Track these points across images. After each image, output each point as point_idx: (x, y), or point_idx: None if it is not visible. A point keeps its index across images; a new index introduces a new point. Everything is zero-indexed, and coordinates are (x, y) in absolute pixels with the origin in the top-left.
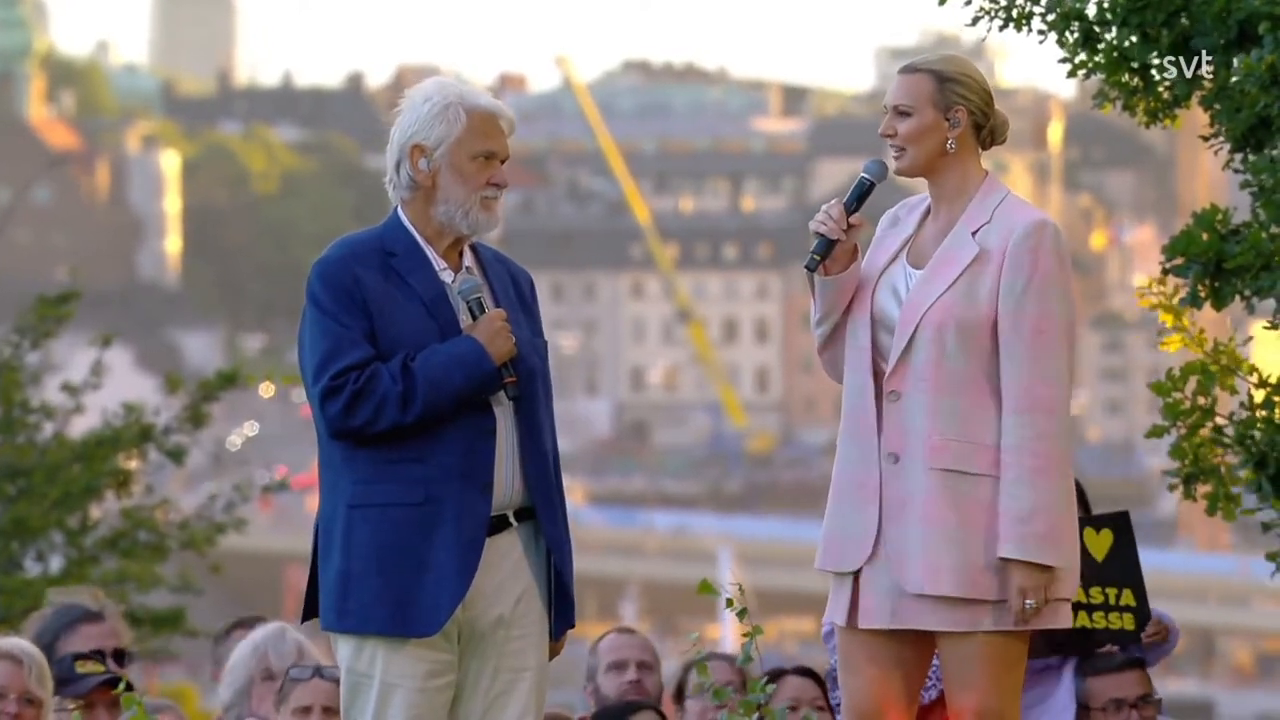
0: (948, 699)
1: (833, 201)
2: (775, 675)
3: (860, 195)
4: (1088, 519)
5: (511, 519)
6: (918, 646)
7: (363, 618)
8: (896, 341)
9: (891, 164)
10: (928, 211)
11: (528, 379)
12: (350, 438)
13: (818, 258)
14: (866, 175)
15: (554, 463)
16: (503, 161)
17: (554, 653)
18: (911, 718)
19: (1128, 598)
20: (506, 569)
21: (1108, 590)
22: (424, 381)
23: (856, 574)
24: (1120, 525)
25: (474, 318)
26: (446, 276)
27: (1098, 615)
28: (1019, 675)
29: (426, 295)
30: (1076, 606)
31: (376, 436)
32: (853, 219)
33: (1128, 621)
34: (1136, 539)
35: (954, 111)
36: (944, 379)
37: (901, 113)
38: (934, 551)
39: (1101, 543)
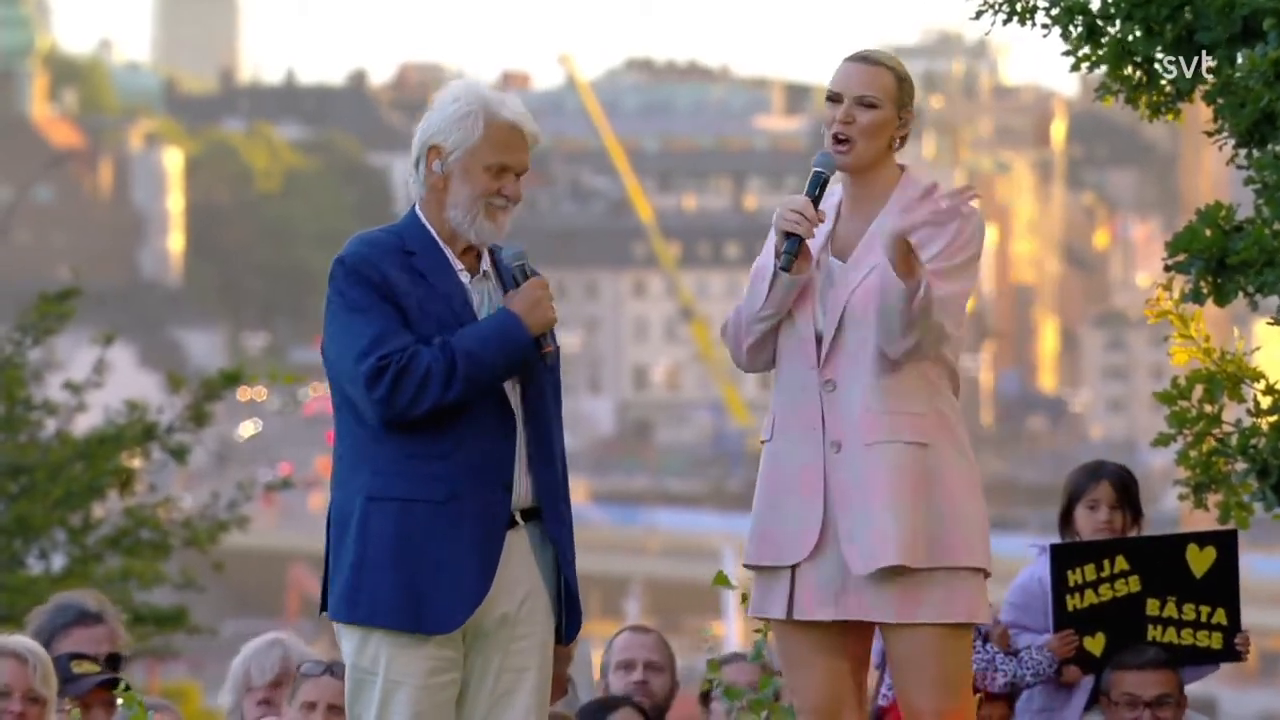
0: (901, 699)
1: (799, 199)
2: None
3: (819, 190)
4: (1193, 535)
5: (519, 519)
6: (860, 638)
7: (372, 610)
8: (826, 331)
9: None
10: (838, 206)
11: (539, 380)
12: (396, 420)
13: (793, 257)
14: (821, 169)
15: (562, 465)
16: (520, 174)
17: (564, 656)
18: (865, 709)
19: (1220, 617)
20: (513, 568)
21: (1201, 608)
22: (463, 355)
23: (793, 567)
24: (1226, 544)
25: (516, 285)
26: (464, 278)
27: (1185, 632)
28: (969, 667)
29: (449, 294)
30: (1165, 622)
31: (417, 421)
32: (818, 213)
33: (1215, 641)
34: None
35: (905, 112)
36: (873, 359)
37: (867, 104)
38: (879, 525)
39: (1203, 560)
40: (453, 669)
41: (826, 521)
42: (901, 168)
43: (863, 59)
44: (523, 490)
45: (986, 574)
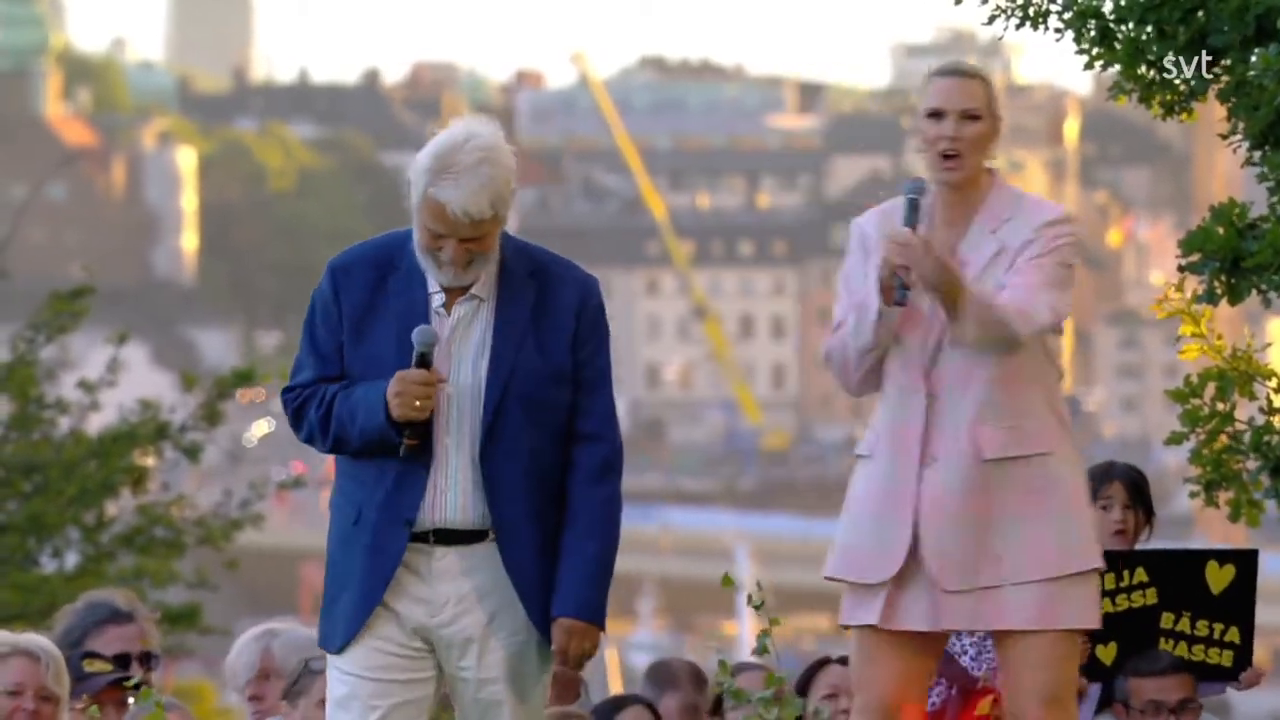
0: (1011, 706)
1: (903, 232)
2: (820, 664)
3: (915, 217)
4: (1214, 552)
5: (492, 535)
6: (935, 645)
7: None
8: (932, 344)
9: (935, 174)
10: (929, 217)
11: (503, 398)
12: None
13: (906, 291)
14: (914, 195)
15: (545, 490)
16: (469, 240)
17: (560, 652)
18: (924, 715)
19: (1233, 635)
20: (477, 581)
21: (1214, 625)
22: (336, 417)
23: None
24: (1246, 563)
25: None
26: (437, 299)
27: (1197, 648)
28: (1076, 675)
29: (403, 319)
30: (1177, 636)
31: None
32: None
33: (1226, 659)
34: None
35: (998, 119)
36: (982, 371)
37: (971, 117)
38: (985, 546)
39: (1222, 577)
40: (416, 669)
41: (917, 539)
42: (993, 171)
43: (958, 72)
44: (478, 510)
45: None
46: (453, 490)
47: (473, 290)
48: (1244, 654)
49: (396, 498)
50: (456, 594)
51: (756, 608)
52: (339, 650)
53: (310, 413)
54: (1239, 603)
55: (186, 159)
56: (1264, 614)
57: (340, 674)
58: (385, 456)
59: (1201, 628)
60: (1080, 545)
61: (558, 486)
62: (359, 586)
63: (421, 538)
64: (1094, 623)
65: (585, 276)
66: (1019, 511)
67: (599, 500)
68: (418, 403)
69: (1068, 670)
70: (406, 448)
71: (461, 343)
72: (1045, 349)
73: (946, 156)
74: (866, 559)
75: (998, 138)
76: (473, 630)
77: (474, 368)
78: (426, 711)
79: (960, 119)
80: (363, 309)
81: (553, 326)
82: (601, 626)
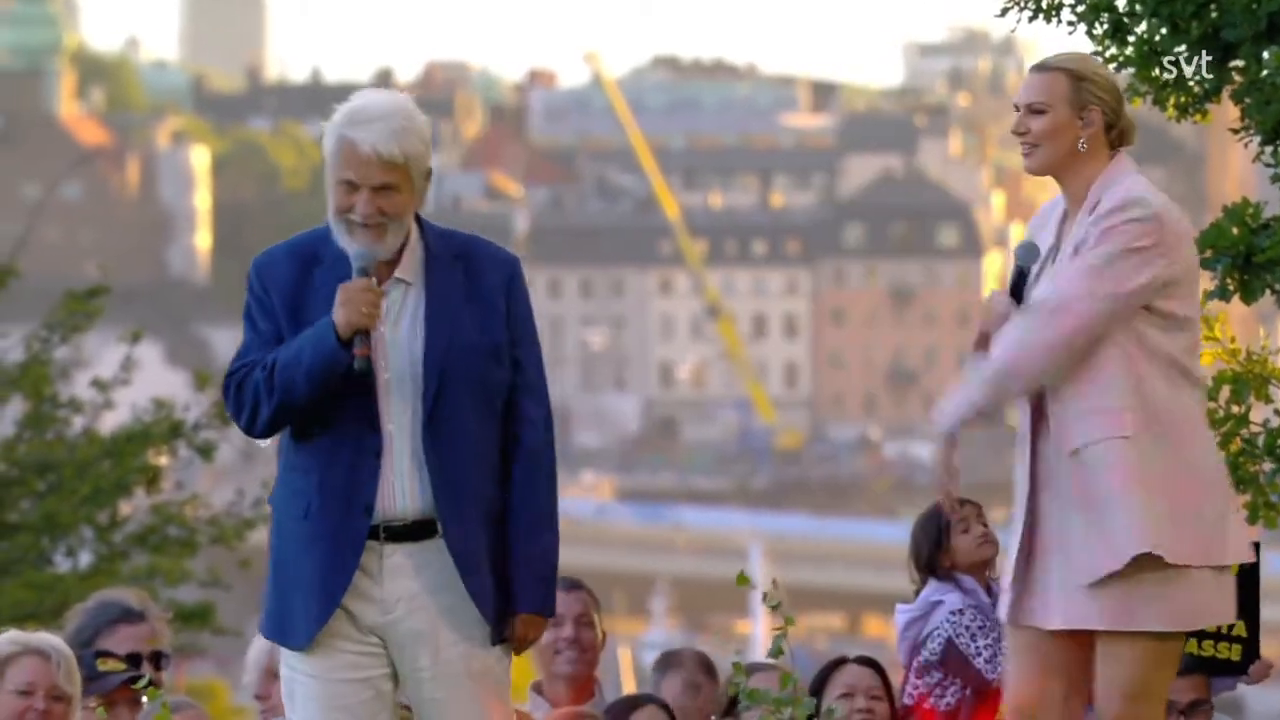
0: (1096, 700)
1: (998, 295)
2: (837, 663)
3: (1020, 282)
4: None
5: (439, 522)
6: (1071, 648)
7: (263, 617)
8: None
9: (1021, 162)
10: (1064, 215)
11: (442, 379)
12: (251, 435)
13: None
14: (1022, 263)
15: (480, 475)
16: (380, 191)
17: (519, 642)
18: (1067, 716)
19: (1240, 629)
20: (426, 578)
21: None
22: (281, 368)
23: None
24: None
25: None
26: None
27: (1206, 643)
28: (1158, 675)
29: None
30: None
31: (268, 433)
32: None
33: (1235, 653)
34: None
35: (1088, 111)
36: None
37: (1035, 111)
38: (1086, 542)
39: None
40: (372, 666)
41: (1034, 544)
42: (1114, 156)
43: (1037, 66)
44: (425, 499)
45: (1217, 568)
46: (399, 477)
47: (398, 275)
48: (1252, 647)
49: (349, 485)
50: (407, 592)
51: (774, 608)
52: (301, 648)
53: (256, 375)
54: (1243, 596)
55: (200, 158)
56: (1275, 612)
57: (297, 675)
58: (335, 438)
59: None
60: (1153, 531)
61: (497, 467)
62: (319, 579)
63: (372, 534)
64: (1181, 624)
65: (509, 255)
66: (1109, 493)
67: (543, 483)
68: (364, 309)
69: (1150, 670)
70: (359, 359)
71: (393, 328)
72: (1140, 338)
73: (1023, 145)
74: (1011, 562)
75: (1082, 126)
76: (424, 627)
77: (409, 350)
78: (387, 708)
79: (1027, 113)
80: (294, 298)
81: (485, 305)
82: (553, 613)
